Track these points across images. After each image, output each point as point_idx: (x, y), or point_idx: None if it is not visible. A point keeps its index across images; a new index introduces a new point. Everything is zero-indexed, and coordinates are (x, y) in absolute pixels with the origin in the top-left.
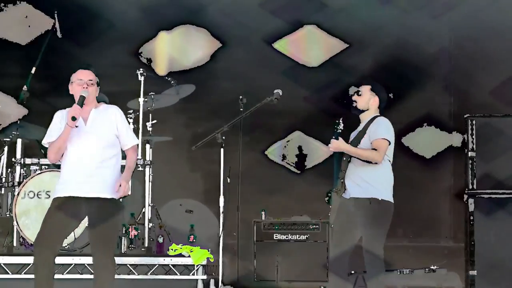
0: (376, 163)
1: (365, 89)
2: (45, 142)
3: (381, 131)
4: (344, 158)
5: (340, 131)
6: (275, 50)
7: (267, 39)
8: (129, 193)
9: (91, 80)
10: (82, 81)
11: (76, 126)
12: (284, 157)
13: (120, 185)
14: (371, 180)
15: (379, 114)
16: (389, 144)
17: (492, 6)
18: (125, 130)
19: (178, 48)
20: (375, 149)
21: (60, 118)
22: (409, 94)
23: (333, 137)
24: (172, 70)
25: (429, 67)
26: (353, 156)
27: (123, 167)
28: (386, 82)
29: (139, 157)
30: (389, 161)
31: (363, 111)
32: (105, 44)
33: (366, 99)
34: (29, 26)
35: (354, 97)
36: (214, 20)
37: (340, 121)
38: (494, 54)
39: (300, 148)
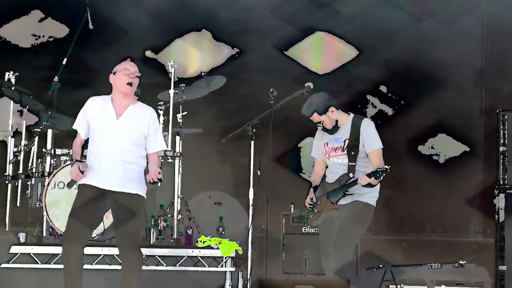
0: None
1: (317, 117)
2: (74, 126)
3: (373, 141)
4: (350, 174)
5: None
6: (286, 56)
7: (278, 46)
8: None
9: (137, 72)
10: (128, 71)
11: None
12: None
13: (153, 176)
14: (361, 190)
15: (353, 114)
16: None
17: None
18: (153, 134)
19: (192, 55)
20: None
21: (88, 108)
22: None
23: (369, 175)
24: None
25: (443, 70)
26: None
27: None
28: (402, 87)
29: (169, 148)
30: None
31: (336, 124)
32: (118, 50)
33: (327, 120)
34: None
35: (320, 127)
36: (226, 27)
37: (388, 170)
38: None
39: None
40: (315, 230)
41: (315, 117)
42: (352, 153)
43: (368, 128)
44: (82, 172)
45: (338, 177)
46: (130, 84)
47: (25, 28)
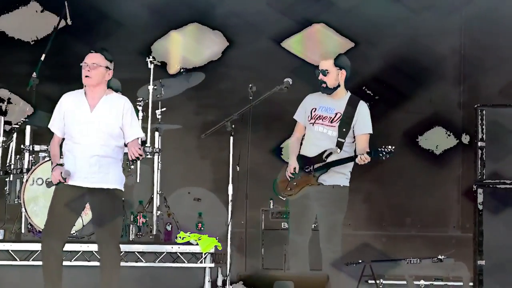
0: None
1: (330, 66)
2: (49, 126)
3: (367, 124)
4: (338, 150)
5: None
6: (283, 49)
7: (275, 38)
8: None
9: (94, 64)
10: (85, 65)
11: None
12: None
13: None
14: (338, 168)
15: (350, 93)
16: None
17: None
18: (129, 123)
19: (188, 47)
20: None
21: (62, 104)
22: (418, 90)
23: (371, 154)
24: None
25: (439, 62)
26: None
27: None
28: (395, 80)
29: (148, 144)
30: None
31: (335, 89)
32: (114, 43)
33: (335, 76)
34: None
35: (321, 78)
36: (222, 20)
37: (392, 150)
38: (507, 48)
39: None
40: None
41: (328, 64)
42: (344, 129)
43: (364, 110)
44: (64, 179)
45: (323, 151)
46: (87, 76)
47: (21, 22)
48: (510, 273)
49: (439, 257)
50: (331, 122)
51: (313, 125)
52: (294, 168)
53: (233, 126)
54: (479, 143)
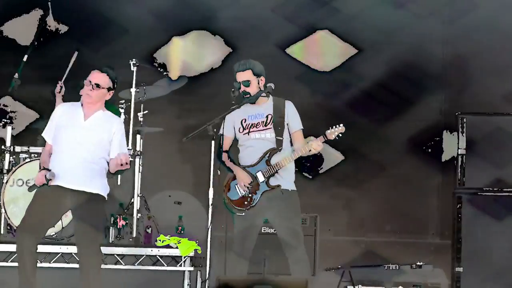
0: None
1: (250, 76)
2: (43, 134)
3: (298, 120)
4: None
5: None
6: (287, 55)
7: (279, 44)
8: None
9: (97, 85)
10: (88, 83)
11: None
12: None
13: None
14: (280, 172)
15: (271, 96)
16: None
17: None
18: (117, 142)
19: (190, 54)
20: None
21: (57, 112)
22: (423, 96)
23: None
24: (184, 74)
25: (443, 69)
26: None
27: None
28: (398, 87)
29: (129, 147)
30: None
31: (257, 96)
32: (118, 49)
33: (256, 85)
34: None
35: (244, 89)
36: (227, 26)
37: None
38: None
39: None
40: (274, 231)
41: (247, 75)
42: (279, 128)
43: (293, 108)
44: (48, 181)
45: (264, 153)
46: (88, 94)
47: (26, 26)
48: (487, 279)
49: (418, 263)
50: (265, 125)
51: (248, 134)
52: (250, 181)
53: (215, 130)
54: (459, 151)
